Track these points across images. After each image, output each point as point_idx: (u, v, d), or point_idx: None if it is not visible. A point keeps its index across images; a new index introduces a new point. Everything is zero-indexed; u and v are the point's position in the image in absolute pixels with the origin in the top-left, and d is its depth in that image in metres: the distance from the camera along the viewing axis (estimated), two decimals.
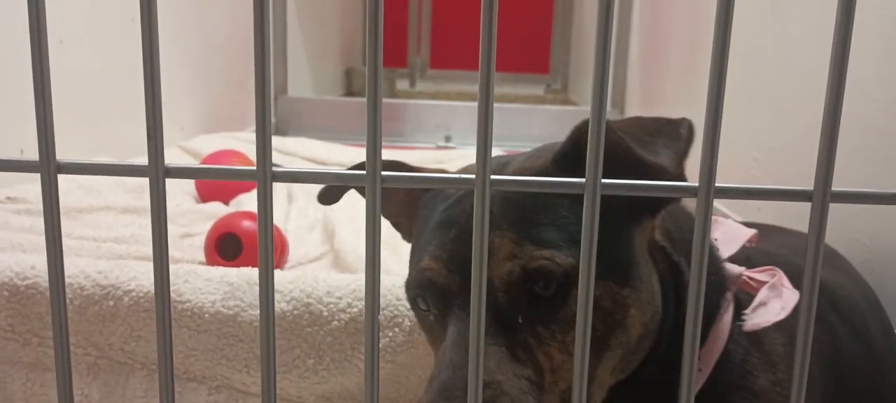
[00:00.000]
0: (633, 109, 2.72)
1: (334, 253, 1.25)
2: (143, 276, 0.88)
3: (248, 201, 1.55)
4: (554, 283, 0.56)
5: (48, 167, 0.38)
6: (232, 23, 2.52)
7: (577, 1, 4.41)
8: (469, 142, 2.65)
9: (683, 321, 0.63)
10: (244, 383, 0.88)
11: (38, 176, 0.38)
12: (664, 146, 0.55)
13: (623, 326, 0.58)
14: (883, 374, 0.81)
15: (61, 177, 0.38)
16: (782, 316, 0.62)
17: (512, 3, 4.41)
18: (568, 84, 4.58)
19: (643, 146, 0.55)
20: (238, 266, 0.97)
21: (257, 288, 0.50)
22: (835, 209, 0.37)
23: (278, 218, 1.46)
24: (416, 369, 0.88)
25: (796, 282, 0.62)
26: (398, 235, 0.78)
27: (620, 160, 0.52)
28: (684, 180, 0.58)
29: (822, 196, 0.37)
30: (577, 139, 0.60)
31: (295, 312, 0.87)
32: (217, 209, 1.52)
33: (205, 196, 1.62)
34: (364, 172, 0.37)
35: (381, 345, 0.86)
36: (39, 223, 1.19)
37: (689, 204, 0.72)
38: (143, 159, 0.38)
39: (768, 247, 0.85)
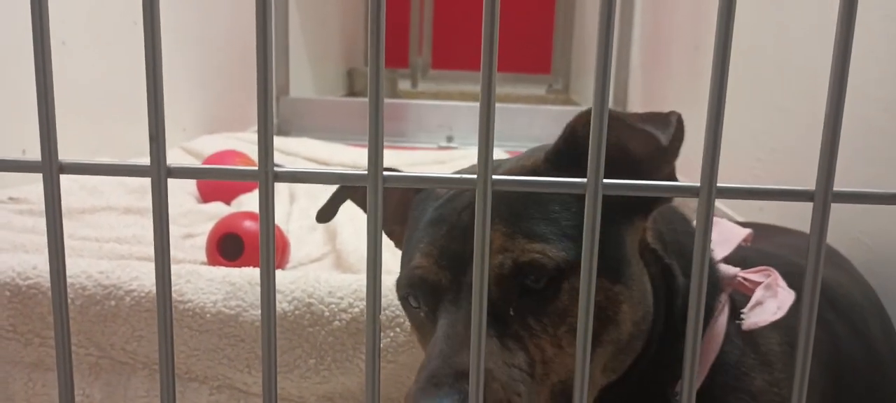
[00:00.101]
0: (635, 109, 2.71)
1: (336, 254, 1.25)
2: (144, 276, 0.89)
3: (249, 201, 1.55)
4: (545, 276, 0.56)
5: (50, 167, 0.38)
6: (234, 24, 2.52)
7: (578, 1, 4.40)
8: (471, 143, 2.65)
9: (674, 323, 0.64)
10: (245, 383, 0.89)
11: (40, 176, 0.38)
12: (655, 127, 0.56)
13: (615, 322, 0.58)
14: (883, 373, 0.81)
15: (63, 178, 0.39)
16: (779, 315, 0.62)
17: (514, 3, 4.41)
18: (570, 84, 4.57)
19: (634, 126, 0.56)
20: (240, 266, 0.98)
21: (259, 288, 0.51)
22: (836, 209, 0.37)
23: (280, 219, 1.46)
24: (416, 369, 0.88)
25: (796, 282, 0.62)
26: None
27: (611, 150, 0.53)
28: (674, 170, 0.59)
29: (823, 196, 0.37)
30: (570, 137, 0.60)
31: (296, 312, 0.87)
32: (219, 209, 1.52)
33: (207, 196, 1.62)
34: (365, 173, 0.37)
35: (382, 345, 0.86)
36: (42, 223, 1.19)
37: (684, 205, 0.72)
38: (145, 159, 0.38)
39: (765, 247, 0.85)
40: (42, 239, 1.11)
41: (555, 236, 0.57)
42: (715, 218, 0.75)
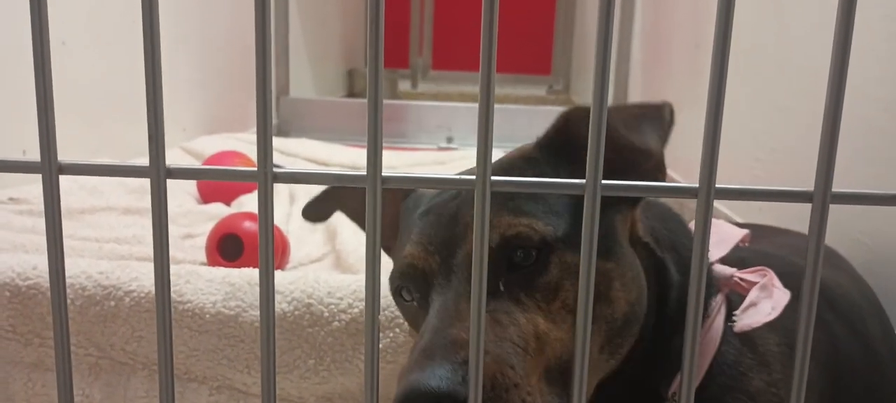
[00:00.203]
0: None
1: (336, 254, 1.25)
2: (144, 277, 0.89)
3: (249, 202, 1.55)
4: (533, 250, 0.56)
5: (50, 168, 0.38)
6: (234, 24, 2.52)
7: (579, 2, 4.40)
8: (471, 143, 2.65)
9: (666, 319, 0.64)
10: (245, 383, 0.89)
11: (40, 176, 0.38)
12: (650, 129, 0.56)
13: (607, 299, 0.57)
14: (882, 374, 0.81)
15: (63, 178, 0.39)
16: (773, 316, 0.62)
17: (514, 3, 4.41)
18: (570, 85, 4.58)
19: (629, 129, 0.57)
20: (239, 266, 0.98)
21: (259, 288, 0.51)
22: (836, 209, 0.37)
23: (280, 219, 1.46)
24: None
25: (794, 282, 0.62)
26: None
27: (606, 143, 0.53)
28: (664, 161, 0.60)
29: (822, 197, 0.37)
30: (563, 127, 0.61)
31: (296, 313, 0.87)
32: (219, 210, 1.52)
33: (206, 197, 1.62)
34: (364, 173, 0.37)
35: (381, 346, 0.86)
36: (41, 223, 1.19)
37: (683, 206, 0.72)
38: (145, 160, 0.38)
39: (764, 247, 0.85)
40: (42, 240, 1.11)
41: (542, 212, 0.57)
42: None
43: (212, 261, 1.14)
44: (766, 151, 1.48)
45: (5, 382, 0.90)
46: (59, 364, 0.40)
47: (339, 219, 1.35)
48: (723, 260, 0.69)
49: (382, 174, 0.37)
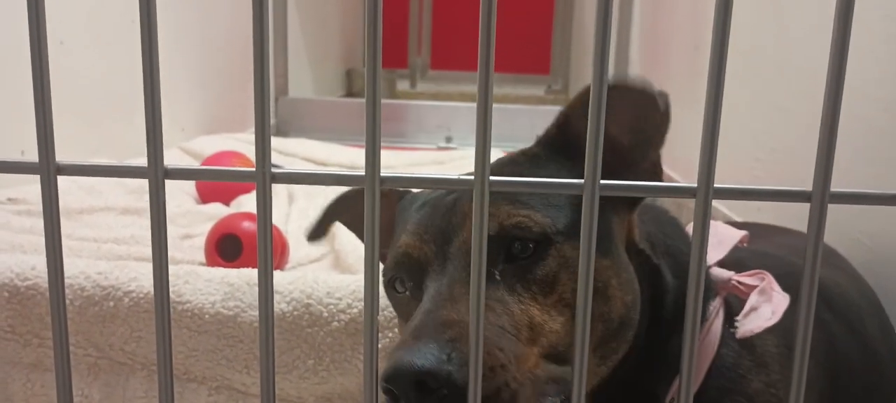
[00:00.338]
0: None
1: (335, 255, 1.25)
2: (143, 277, 0.89)
3: (248, 202, 1.55)
4: (531, 243, 0.56)
5: (48, 168, 0.38)
6: (234, 24, 2.52)
7: (577, 1, 4.40)
8: (470, 143, 2.65)
9: (661, 325, 0.63)
10: (244, 383, 0.89)
11: (39, 177, 0.38)
12: (647, 129, 0.57)
13: (604, 296, 0.57)
14: (881, 373, 0.81)
15: (62, 178, 0.39)
16: (773, 321, 0.61)
17: (512, 3, 4.40)
18: (569, 85, 4.57)
19: (623, 131, 0.58)
20: (238, 267, 0.97)
21: (257, 288, 0.50)
22: (835, 209, 0.37)
23: (279, 219, 1.46)
24: None
25: (792, 282, 0.62)
26: None
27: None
28: (660, 158, 0.60)
29: (820, 197, 0.37)
30: (564, 124, 0.62)
31: (295, 313, 0.87)
32: (217, 210, 1.52)
33: (205, 197, 1.62)
34: (362, 173, 0.37)
35: (380, 346, 0.86)
36: (40, 224, 1.19)
37: (681, 207, 0.72)
38: (143, 160, 0.38)
39: (763, 247, 0.84)
40: (41, 240, 1.11)
41: (541, 205, 0.57)
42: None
43: (210, 262, 1.14)
44: (765, 151, 1.48)
45: (4, 382, 0.90)
46: (58, 365, 0.40)
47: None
48: (721, 263, 0.69)
49: (381, 174, 0.37)
